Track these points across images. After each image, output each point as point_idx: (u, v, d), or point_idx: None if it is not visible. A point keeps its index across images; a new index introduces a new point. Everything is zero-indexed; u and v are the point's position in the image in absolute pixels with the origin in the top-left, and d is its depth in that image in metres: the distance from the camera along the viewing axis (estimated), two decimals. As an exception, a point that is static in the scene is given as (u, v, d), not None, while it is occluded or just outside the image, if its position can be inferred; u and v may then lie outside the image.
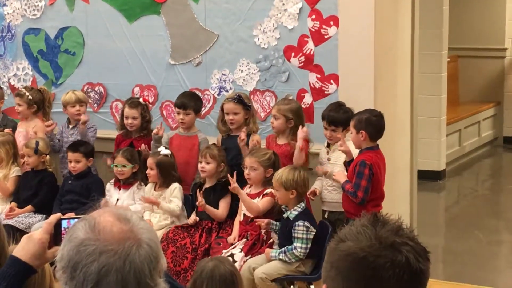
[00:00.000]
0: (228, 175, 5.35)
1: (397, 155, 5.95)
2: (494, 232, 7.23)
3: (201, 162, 5.63)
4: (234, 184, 5.26)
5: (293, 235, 5.00)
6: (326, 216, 5.50)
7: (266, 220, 5.17)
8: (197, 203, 5.48)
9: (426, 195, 7.99)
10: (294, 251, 4.97)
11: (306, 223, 5.00)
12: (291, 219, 5.04)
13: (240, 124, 5.80)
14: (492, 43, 10.63)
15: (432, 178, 8.76)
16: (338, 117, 5.41)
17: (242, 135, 5.62)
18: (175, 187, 5.76)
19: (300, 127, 5.40)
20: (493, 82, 10.79)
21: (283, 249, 5.01)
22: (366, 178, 5.02)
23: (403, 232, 1.56)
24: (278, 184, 5.04)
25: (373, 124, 5.10)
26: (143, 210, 5.83)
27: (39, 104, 6.74)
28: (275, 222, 5.20)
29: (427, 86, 8.37)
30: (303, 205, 5.09)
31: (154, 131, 6.05)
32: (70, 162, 6.21)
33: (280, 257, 4.99)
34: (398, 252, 1.51)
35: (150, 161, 5.81)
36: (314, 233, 5.02)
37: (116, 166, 5.98)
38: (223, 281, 3.63)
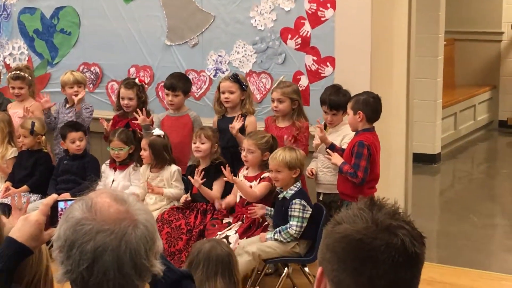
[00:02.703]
0: (222, 167, 5.33)
1: (393, 138, 5.95)
2: (489, 216, 7.25)
3: (195, 143, 5.62)
4: (229, 176, 5.26)
5: (289, 213, 5.02)
6: (321, 198, 5.51)
7: (259, 206, 5.18)
8: (192, 181, 5.46)
9: (421, 178, 8.00)
10: (289, 229, 4.98)
11: (303, 202, 5.03)
12: (287, 198, 5.06)
13: (236, 104, 5.80)
14: (488, 26, 10.62)
15: (427, 161, 8.77)
16: (339, 101, 5.42)
17: (236, 126, 5.61)
18: (174, 170, 5.75)
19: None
20: (489, 66, 10.79)
21: (277, 229, 5.02)
22: (365, 158, 5.04)
23: (399, 216, 1.56)
24: (282, 164, 5.04)
25: (370, 105, 5.11)
26: (145, 192, 5.82)
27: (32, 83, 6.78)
28: (269, 208, 5.21)
29: (423, 69, 8.37)
30: (299, 185, 5.11)
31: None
32: (73, 142, 6.19)
33: (276, 237, 5.00)
34: (394, 235, 1.52)
35: (143, 142, 5.81)
36: (310, 212, 5.04)
37: (112, 149, 5.98)
38: (219, 262, 3.64)
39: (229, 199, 5.50)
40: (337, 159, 5.20)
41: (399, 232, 1.52)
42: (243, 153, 5.38)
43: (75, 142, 6.20)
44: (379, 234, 1.51)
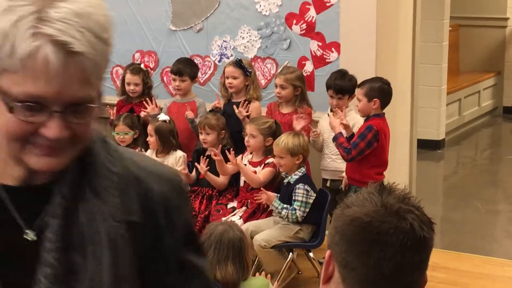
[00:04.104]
0: (226, 151, 5.33)
1: (397, 124, 5.95)
2: (492, 202, 7.26)
3: (201, 134, 5.63)
4: (233, 160, 5.26)
5: (293, 198, 5.03)
6: (328, 184, 5.52)
7: (270, 194, 5.13)
8: (199, 168, 5.46)
9: (425, 164, 8.01)
10: (293, 211, 5.00)
11: (307, 187, 5.04)
12: (291, 182, 5.07)
13: (239, 90, 5.80)
14: (493, 12, 10.59)
15: (432, 147, 8.78)
16: (345, 85, 5.42)
17: (242, 112, 5.61)
18: (180, 156, 5.75)
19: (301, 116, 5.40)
20: (494, 52, 10.77)
21: (286, 205, 5.03)
22: (366, 142, 5.03)
23: (409, 200, 1.57)
24: (284, 150, 5.05)
25: (386, 92, 5.14)
26: None
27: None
28: (277, 205, 5.13)
29: (428, 55, 8.36)
30: (304, 170, 5.12)
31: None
32: None
33: (283, 213, 5.00)
34: (403, 219, 1.52)
35: (149, 128, 5.81)
36: (313, 197, 5.05)
37: (117, 133, 5.99)
38: (230, 246, 3.64)
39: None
40: (335, 125, 5.17)
41: (408, 216, 1.53)
42: (246, 138, 5.39)
43: None
44: (388, 218, 1.52)
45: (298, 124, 5.43)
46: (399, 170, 6.08)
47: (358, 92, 5.17)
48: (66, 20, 1.24)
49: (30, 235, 1.34)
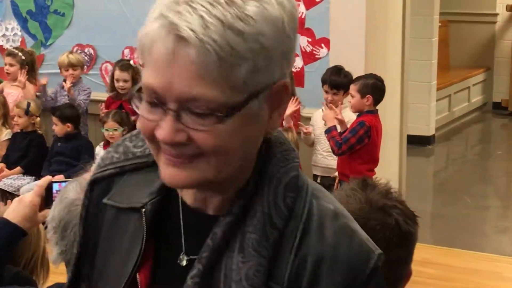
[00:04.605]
0: None
1: (387, 119, 5.95)
2: (482, 197, 7.27)
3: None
4: None
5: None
6: (318, 181, 5.52)
7: None
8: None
9: (415, 160, 8.01)
10: None
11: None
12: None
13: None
14: (483, 8, 10.60)
15: (422, 143, 8.78)
16: (341, 81, 5.42)
17: None
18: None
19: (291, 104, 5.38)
20: (484, 48, 10.78)
21: None
22: (357, 137, 5.04)
23: (392, 195, 1.57)
24: None
25: (379, 89, 5.17)
26: None
27: (30, 66, 6.71)
28: None
29: (418, 51, 8.35)
30: (294, 165, 5.10)
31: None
32: (56, 124, 6.19)
33: None
34: (388, 215, 1.53)
35: (139, 124, 5.78)
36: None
37: (107, 130, 5.96)
38: None
39: None
40: (329, 118, 5.17)
41: (393, 211, 1.53)
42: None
43: (56, 125, 6.18)
44: (374, 214, 1.52)
45: (288, 109, 5.40)
46: (389, 166, 6.08)
47: (352, 88, 5.18)
48: (191, 3, 1.05)
49: (183, 262, 1.21)
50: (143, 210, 1.22)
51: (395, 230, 1.52)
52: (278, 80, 1.11)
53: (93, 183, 1.31)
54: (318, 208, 1.18)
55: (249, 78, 1.06)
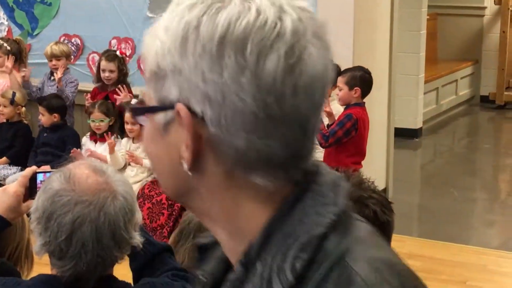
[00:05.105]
0: None
1: (375, 112, 5.95)
2: (469, 190, 7.29)
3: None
4: None
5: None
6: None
7: None
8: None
9: (403, 152, 8.02)
10: None
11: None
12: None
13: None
14: (471, 1, 10.61)
15: (409, 136, 8.78)
16: None
17: None
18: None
19: None
20: (472, 41, 10.79)
21: None
22: (344, 130, 5.04)
23: (365, 185, 1.56)
24: None
25: (367, 81, 5.18)
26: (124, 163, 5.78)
27: (17, 55, 6.66)
28: None
29: (406, 43, 8.35)
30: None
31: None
32: (43, 114, 6.16)
33: None
34: (365, 207, 1.52)
35: (127, 116, 5.74)
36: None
37: (93, 121, 5.93)
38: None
39: None
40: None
41: (369, 202, 1.53)
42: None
43: (43, 115, 6.15)
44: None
45: None
46: (377, 159, 6.08)
47: (339, 80, 5.17)
48: None
49: None
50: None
51: (373, 221, 1.51)
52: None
53: None
54: (338, 278, 0.94)
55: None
